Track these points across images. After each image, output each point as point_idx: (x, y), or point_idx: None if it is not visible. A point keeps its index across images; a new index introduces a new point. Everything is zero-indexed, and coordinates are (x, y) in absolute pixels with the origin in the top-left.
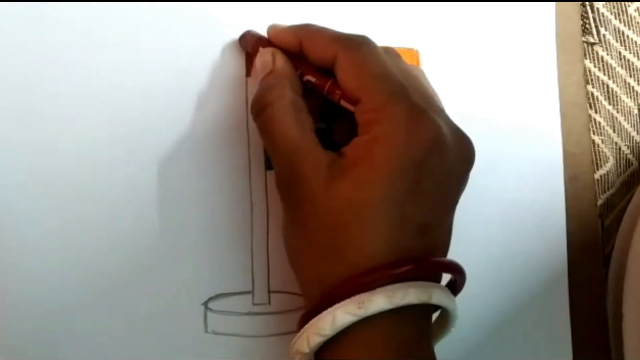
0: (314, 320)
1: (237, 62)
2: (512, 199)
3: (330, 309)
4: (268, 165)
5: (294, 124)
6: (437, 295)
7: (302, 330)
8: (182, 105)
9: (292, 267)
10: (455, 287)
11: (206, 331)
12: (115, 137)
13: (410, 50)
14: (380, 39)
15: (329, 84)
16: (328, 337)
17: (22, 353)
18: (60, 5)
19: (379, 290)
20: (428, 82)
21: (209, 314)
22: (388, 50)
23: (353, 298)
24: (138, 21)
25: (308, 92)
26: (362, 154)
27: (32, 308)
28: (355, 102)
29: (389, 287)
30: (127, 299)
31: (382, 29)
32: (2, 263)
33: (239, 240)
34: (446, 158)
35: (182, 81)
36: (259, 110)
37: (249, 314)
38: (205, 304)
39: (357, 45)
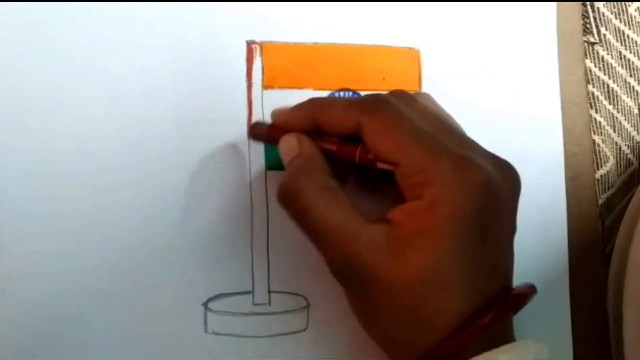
0: None
1: (239, 61)
2: None
3: None
4: (268, 165)
5: (335, 208)
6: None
7: None
8: (181, 105)
9: (377, 343)
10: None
11: (206, 331)
12: (115, 136)
13: (410, 50)
14: (381, 39)
15: (359, 150)
16: None
17: (23, 353)
18: (61, 6)
19: None
20: (438, 106)
21: (209, 314)
22: (400, 96)
23: None
24: (142, 28)
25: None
26: (423, 220)
27: (32, 308)
28: (392, 164)
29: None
30: (127, 299)
31: (382, 29)
32: (3, 263)
33: (239, 240)
34: (501, 196)
35: (184, 83)
36: (291, 198)
37: (249, 314)
38: (206, 304)
39: (379, 107)
